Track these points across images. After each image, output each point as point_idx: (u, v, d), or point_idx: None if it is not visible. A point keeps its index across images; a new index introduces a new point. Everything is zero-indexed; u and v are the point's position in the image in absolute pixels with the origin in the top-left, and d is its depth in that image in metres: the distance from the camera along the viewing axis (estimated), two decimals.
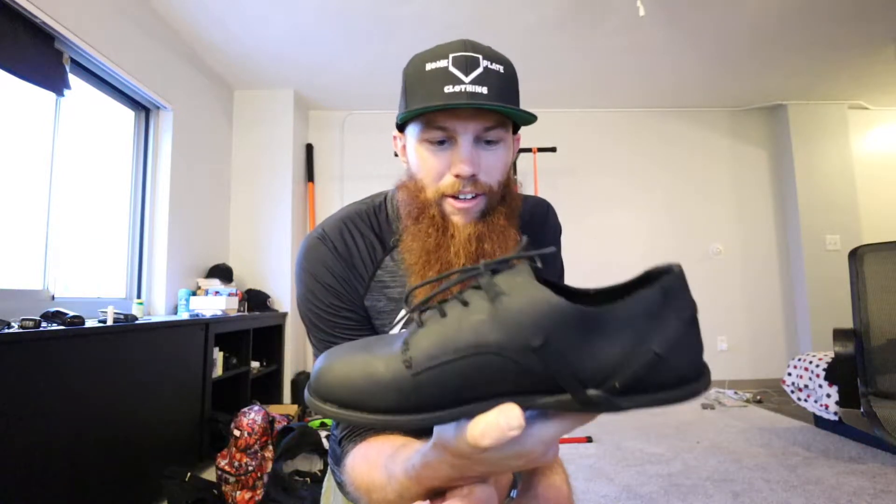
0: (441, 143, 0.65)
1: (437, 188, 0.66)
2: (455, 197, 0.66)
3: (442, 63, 0.63)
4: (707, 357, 0.33)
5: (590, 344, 0.32)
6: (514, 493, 0.51)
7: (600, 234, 3.99)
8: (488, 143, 0.65)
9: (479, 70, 0.62)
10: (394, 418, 0.35)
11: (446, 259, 0.66)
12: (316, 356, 0.73)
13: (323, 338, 0.71)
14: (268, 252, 3.53)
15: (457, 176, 0.64)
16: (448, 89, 0.61)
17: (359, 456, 0.60)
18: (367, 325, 0.73)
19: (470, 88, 0.61)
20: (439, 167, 0.65)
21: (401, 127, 0.71)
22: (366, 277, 0.72)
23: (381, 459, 0.54)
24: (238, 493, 1.95)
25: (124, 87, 2.52)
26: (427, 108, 0.61)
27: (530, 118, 0.64)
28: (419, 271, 0.68)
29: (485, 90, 0.62)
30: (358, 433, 0.66)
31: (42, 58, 1.96)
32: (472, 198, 0.66)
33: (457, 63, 0.62)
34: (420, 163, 0.67)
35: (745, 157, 4.15)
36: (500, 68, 0.65)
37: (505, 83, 0.64)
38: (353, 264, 0.71)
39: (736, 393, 3.58)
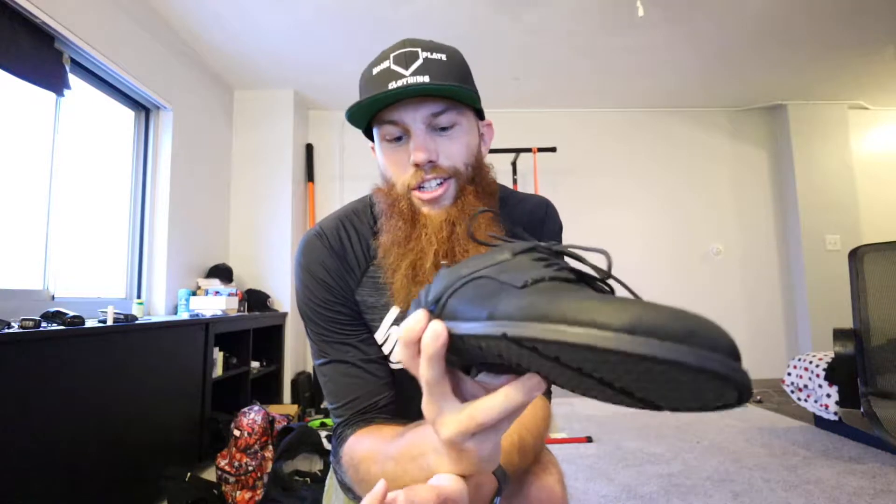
0: (398, 139, 0.67)
1: (403, 182, 0.68)
2: (421, 188, 0.67)
3: (385, 64, 0.66)
4: None
5: None
6: (497, 501, 0.51)
7: (600, 234, 3.99)
8: (443, 129, 0.67)
9: (419, 62, 0.65)
10: None
11: (419, 248, 0.67)
12: (312, 350, 0.75)
13: (317, 330, 0.73)
14: (268, 252, 3.53)
15: (416, 165, 0.66)
16: (392, 85, 0.63)
17: (360, 448, 0.62)
18: (359, 320, 0.74)
19: (411, 80, 0.63)
20: (400, 161, 0.68)
21: (372, 137, 0.73)
22: (358, 273, 0.74)
23: (380, 454, 0.56)
24: (238, 493, 1.95)
25: (124, 87, 2.52)
26: (360, 103, 0.63)
27: (468, 93, 0.65)
28: (393, 263, 0.69)
29: (426, 79, 0.63)
30: (356, 421, 0.68)
31: (42, 58, 1.96)
32: (439, 185, 0.67)
33: (397, 60, 0.65)
34: (385, 161, 0.70)
35: (745, 157, 4.15)
36: (442, 56, 0.66)
37: (448, 69, 0.66)
38: (347, 260, 0.74)
39: None
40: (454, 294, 0.35)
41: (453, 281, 0.36)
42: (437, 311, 0.36)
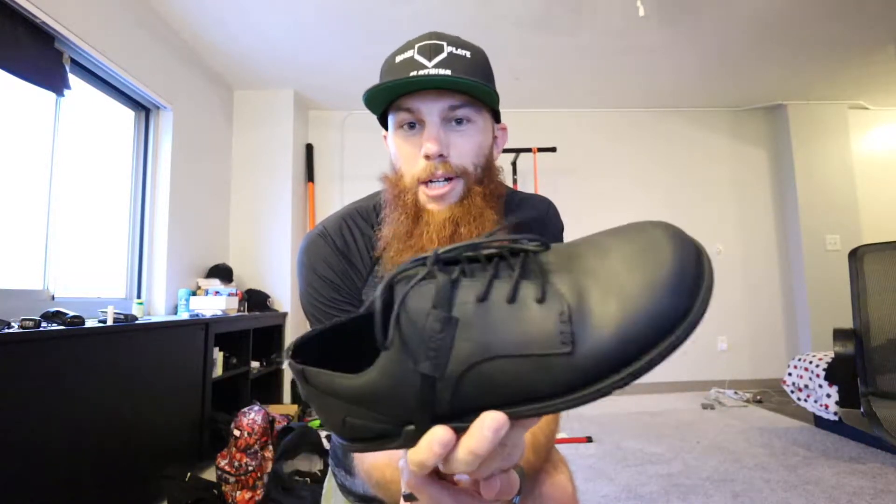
0: (412, 126, 0.67)
1: (412, 174, 0.67)
2: (429, 183, 0.66)
3: (408, 53, 0.66)
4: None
5: None
6: (517, 500, 0.51)
7: None
8: (458, 122, 0.66)
9: (443, 55, 0.64)
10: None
11: (419, 245, 0.66)
12: None
13: None
14: (268, 252, 3.53)
15: (426, 157, 0.65)
16: (412, 74, 0.63)
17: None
18: None
19: (433, 72, 0.63)
20: (411, 151, 0.67)
21: (387, 126, 0.73)
22: (363, 272, 0.73)
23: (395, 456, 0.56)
24: (238, 493, 1.95)
25: (124, 87, 2.52)
26: (380, 85, 0.63)
27: (488, 91, 0.64)
28: (392, 258, 0.68)
29: (448, 72, 0.63)
30: None
31: (42, 58, 1.96)
32: (445, 182, 0.66)
33: (421, 51, 0.65)
34: (396, 150, 0.70)
35: (745, 157, 4.15)
36: (467, 53, 0.66)
37: (471, 66, 0.66)
38: (351, 259, 0.73)
39: (736, 393, 3.58)
40: None
41: None
42: None
